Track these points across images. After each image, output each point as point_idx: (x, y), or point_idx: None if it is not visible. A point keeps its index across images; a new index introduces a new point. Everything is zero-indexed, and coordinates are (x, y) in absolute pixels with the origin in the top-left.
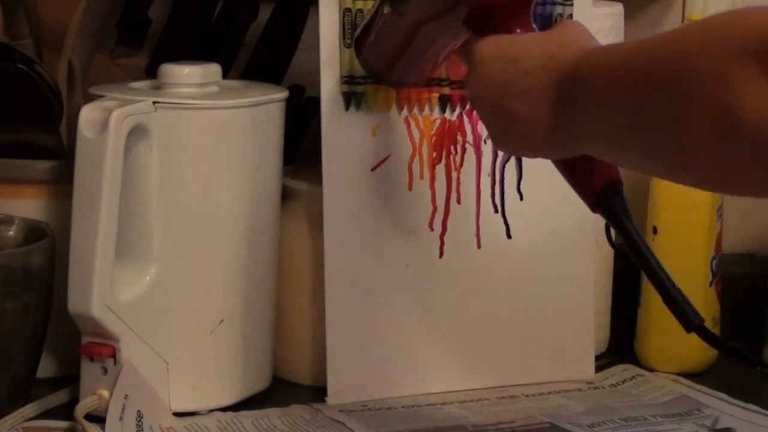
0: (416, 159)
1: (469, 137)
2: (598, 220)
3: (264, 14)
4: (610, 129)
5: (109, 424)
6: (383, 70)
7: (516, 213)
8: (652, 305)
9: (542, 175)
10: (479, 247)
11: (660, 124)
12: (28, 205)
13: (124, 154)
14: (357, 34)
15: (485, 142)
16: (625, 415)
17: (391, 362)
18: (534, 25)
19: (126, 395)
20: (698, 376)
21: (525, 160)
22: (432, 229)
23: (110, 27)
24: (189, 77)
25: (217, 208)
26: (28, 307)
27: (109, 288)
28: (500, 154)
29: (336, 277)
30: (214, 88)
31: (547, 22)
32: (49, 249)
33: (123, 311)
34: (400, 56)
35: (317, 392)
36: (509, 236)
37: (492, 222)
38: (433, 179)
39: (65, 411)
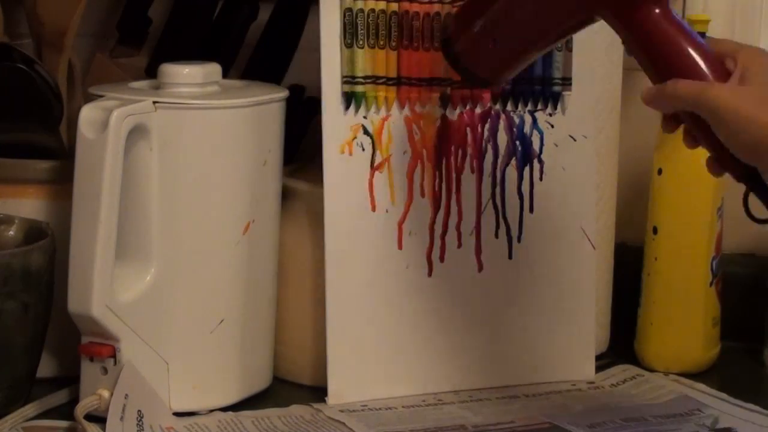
0: (417, 159)
1: (470, 137)
2: (598, 220)
3: (264, 14)
4: None
5: (110, 424)
6: (490, 68)
7: (516, 214)
8: (652, 305)
9: (543, 176)
10: (480, 247)
11: None
12: (28, 205)
13: (124, 154)
14: (447, 33)
15: (485, 144)
16: (625, 415)
17: (391, 362)
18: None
19: (127, 395)
20: (698, 376)
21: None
22: (432, 230)
23: (110, 27)
24: (189, 77)
25: (217, 208)
26: (28, 307)
27: (109, 288)
28: (501, 155)
29: (336, 277)
30: (215, 88)
31: None
32: (49, 249)
33: (123, 311)
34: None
35: (317, 392)
36: (510, 237)
37: (492, 223)
38: (433, 179)
39: (65, 411)
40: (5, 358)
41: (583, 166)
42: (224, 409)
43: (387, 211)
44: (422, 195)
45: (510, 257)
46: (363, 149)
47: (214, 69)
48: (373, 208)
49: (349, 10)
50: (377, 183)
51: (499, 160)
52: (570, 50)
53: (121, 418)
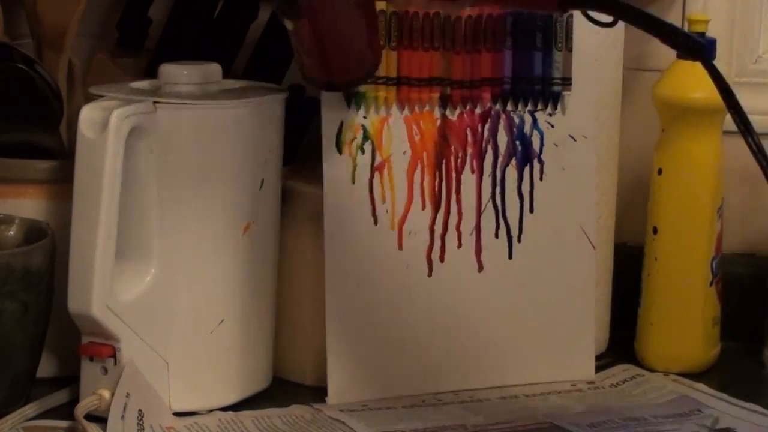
0: (417, 159)
1: (470, 137)
2: (598, 220)
3: (264, 14)
4: None
5: (111, 423)
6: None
7: (516, 214)
8: (652, 305)
9: (543, 176)
10: (480, 247)
11: None
12: (28, 205)
13: (124, 154)
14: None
15: (485, 144)
16: (625, 415)
17: (391, 362)
18: None
19: (128, 393)
20: (698, 376)
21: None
22: (432, 230)
23: (110, 27)
24: (189, 77)
25: (217, 208)
26: (28, 307)
27: (109, 288)
28: (501, 155)
29: (336, 277)
30: (215, 88)
31: (547, 22)
32: (49, 249)
33: (123, 311)
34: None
35: (317, 392)
36: (509, 237)
37: (492, 223)
38: (433, 179)
39: (65, 411)
40: (5, 358)
41: (583, 166)
42: (224, 409)
43: (387, 212)
44: (422, 195)
45: (510, 257)
46: (363, 150)
47: (214, 69)
48: (373, 209)
49: None
50: (377, 183)
51: (499, 161)
52: (570, 50)
53: (122, 417)
